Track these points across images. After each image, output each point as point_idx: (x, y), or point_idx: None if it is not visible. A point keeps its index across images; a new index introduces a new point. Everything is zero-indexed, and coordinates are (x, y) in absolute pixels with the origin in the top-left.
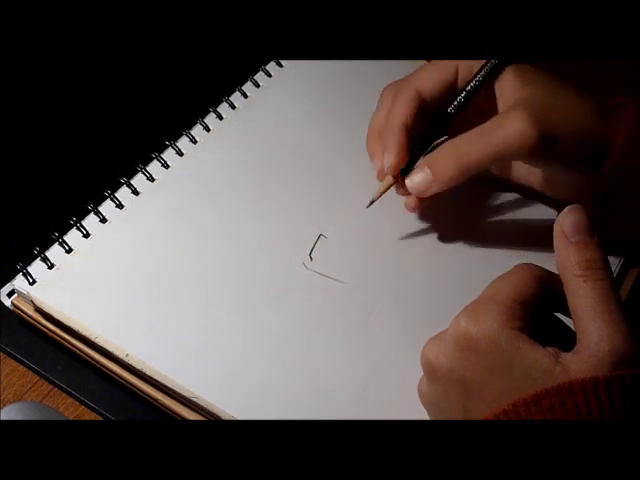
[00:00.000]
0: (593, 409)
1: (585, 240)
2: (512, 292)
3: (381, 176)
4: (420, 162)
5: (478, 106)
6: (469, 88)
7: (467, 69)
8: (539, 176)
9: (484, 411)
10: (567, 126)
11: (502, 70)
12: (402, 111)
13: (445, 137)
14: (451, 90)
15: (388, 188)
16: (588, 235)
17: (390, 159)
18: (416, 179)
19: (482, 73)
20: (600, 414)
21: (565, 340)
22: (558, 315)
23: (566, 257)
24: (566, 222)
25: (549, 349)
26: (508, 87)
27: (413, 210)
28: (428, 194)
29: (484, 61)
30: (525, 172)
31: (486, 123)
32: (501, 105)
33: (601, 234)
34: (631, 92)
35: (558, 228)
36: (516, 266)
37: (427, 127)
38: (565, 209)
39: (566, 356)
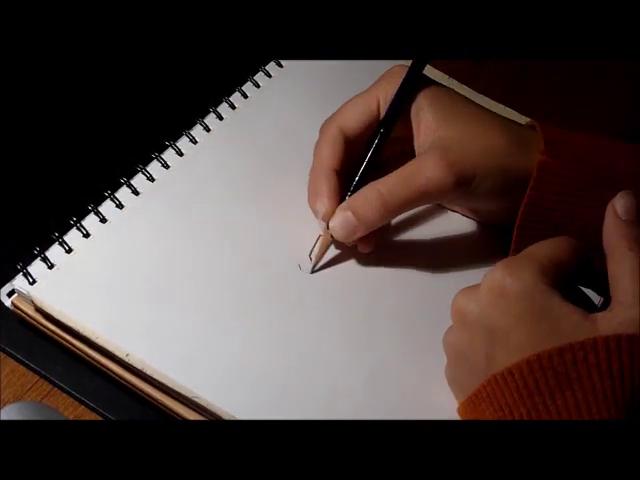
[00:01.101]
0: (614, 367)
1: (633, 219)
2: (549, 253)
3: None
4: (341, 206)
5: (401, 137)
6: (384, 119)
7: (388, 100)
8: (467, 207)
9: (507, 360)
10: (482, 165)
11: (418, 104)
12: (327, 154)
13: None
14: (374, 123)
15: (327, 248)
16: (636, 216)
17: (321, 208)
18: (339, 225)
19: (395, 104)
20: (620, 372)
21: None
22: (586, 291)
23: (615, 231)
24: (619, 203)
25: (579, 307)
26: (425, 123)
27: (369, 249)
28: (354, 238)
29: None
30: (454, 204)
31: (405, 167)
32: (417, 143)
33: None
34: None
35: (611, 207)
36: (556, 237)
37: (352, 169)
38: (620, 192)
39: (597, 314)
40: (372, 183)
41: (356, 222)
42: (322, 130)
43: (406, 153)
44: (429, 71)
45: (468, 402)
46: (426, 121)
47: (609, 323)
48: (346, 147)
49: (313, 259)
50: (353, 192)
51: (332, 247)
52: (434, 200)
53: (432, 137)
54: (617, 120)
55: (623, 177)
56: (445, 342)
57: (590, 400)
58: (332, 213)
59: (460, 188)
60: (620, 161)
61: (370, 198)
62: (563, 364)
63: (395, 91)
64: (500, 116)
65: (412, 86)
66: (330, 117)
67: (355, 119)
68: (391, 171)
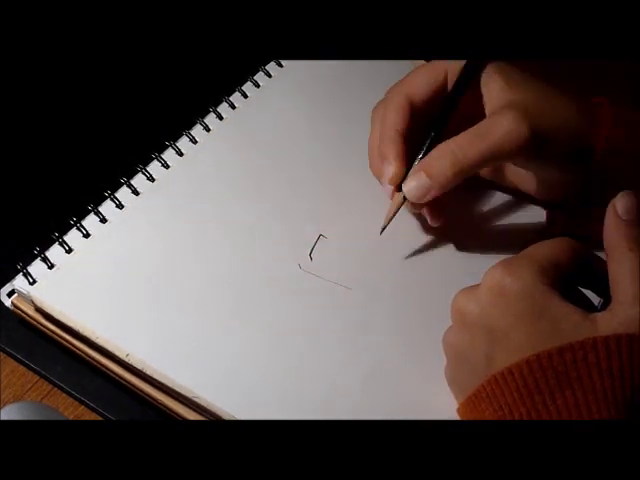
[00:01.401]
0: (614, 366)
1: (634, 220)
2: (548, 254)
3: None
4: (415, 168)
5: (468, 109)
6: (454, 89)
7: (455, 71)
8: (528, 177)
9: (507, 360)
10: (555, 126)
11: (489, 72)
12: (394, 120)
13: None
14: (441, 93)
15: (399, 208)
16: (637, 217)
17: (390, 170)
18: (413, 185)
19: (465, 74)
20: (620, 371)
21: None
22: (585, 292)
23: (615, 231)
24: (619, 202)
25: (578, 307)
26: (496, 90)
27: (439, 222)
28: (427, 199)
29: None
30: (514, 174)
31: (478, 124)
32: (489, 108)
33: None
34: (611, 94)
35: (611, 207)
36: (556, 238)
37: (421, 134)
38: (620, 193)
39: (596, 314)
40: (444, 142)
41: (429, 182)
42: (387, 97)
43: (477, 121)
44: None
45: (468, 402)
46: (497, 86)
47: (609, 323)
48: (412, 115)
49: (384, 221)
50: (424, 156)
51: (330, 247)
52: (508, 156)
53: (505, 100)
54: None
55: None
56: (445, 342)
57: (590, 399)
58: (401, 175)
59: (534, 144)
60: None
61: (443, 156)
62: (563, 364)
63: (463, 63)
64: (565, 87)
65: (481, 58)
66: (396, 85)
67: (422, 87)
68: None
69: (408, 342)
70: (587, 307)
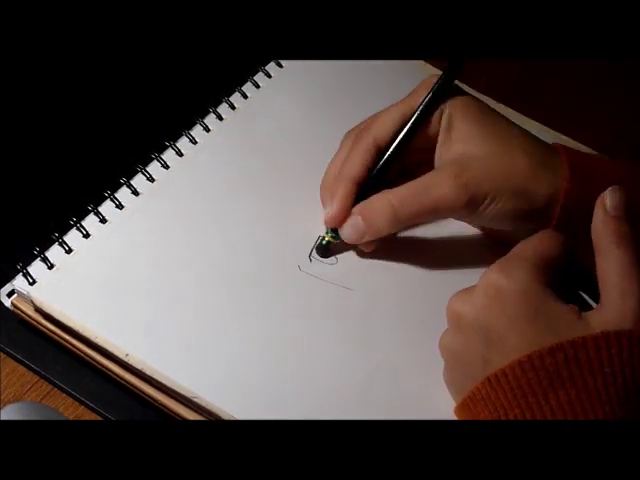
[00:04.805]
0: (604, 363)
1: (622, 216)
2: (539, 251)
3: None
4: (354, 210)
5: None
6: (408, 130)
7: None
8: (476, 225)
9: (503, 362)
10: (498, 187)
11: (451, 113)
12: (356, 161)
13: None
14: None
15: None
16: (625, 213)
17: (332, 210)
18: (349, 228)
19: (423, 111)
20: (611, 368)
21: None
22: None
23: (603, 227)
24: (608, 198)
25: (572, 305)
26: (451, 137)
27: (371, 249)
28: (361, 242)
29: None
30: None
31: (420, 180)
32: (440, 151)
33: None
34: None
35: (600, 202)
36: (540, 231)
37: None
38: (609, 188)
39: (589, 312)
40: (385, 192)
41: (365, 228)
42: (356, 139)
43: (426, 163)
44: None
45: (464, 404)
46: (453, 134)
47: (598, 321)
48: (377, 158)
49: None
50: (366, 197)
51: (334, 246)
52: (444, 217)
53: (454, 152)
54: (617, 120)
55: None
56: (441, 345)
57: (583, 398)
58: (339, 218)
59: (471, 207)
60: None
61: (381, 207)
62: (555, 363)
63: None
64: (529, 135)
65: (444, 94)
66: (364, 125)
67: (389, 130)
68: (407, 181)
69: (408, 343)
70: (581, 305)
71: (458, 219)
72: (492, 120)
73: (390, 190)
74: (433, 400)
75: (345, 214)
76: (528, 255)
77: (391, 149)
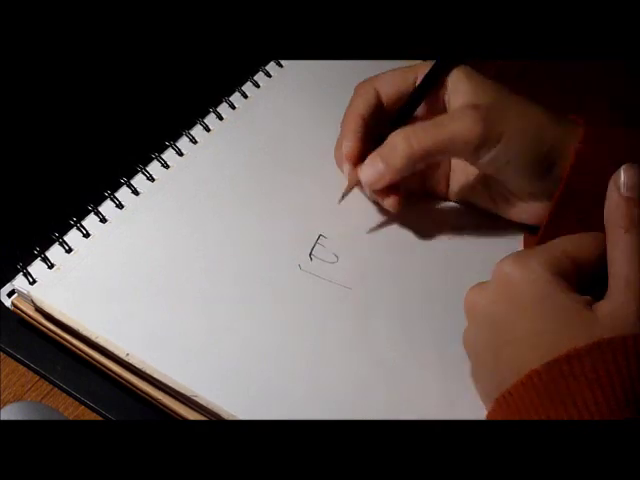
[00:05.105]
0: (611, 371)
1: (635, 198)
2: (568, 247)
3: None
4: (371, 154)
5: (431, 113)
6: (420, 86)
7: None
8: (502, 199)
9: (512, 352)
10: (514, 125)
11: (458, 75)
12: (359, 104)
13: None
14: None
15: (352, 188)
16: (638, 193)
17: (347, 146)
18: (367, 170)
19: (432, 74)
20: (618, 374)
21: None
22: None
23: (615, 208)
24: (621, 178)
25: (585, 297)
26: (462, 92)
27: (397, 208)
28: (382, 185)
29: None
30: (489, 198)
31: (438, 117)
32: (453, 107)
33: None
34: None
35: (612, 182)
36: (581, 233)
37: (383, 130)
38: (623, 166)
39: (597, 303)
40: (401, 128)
41: (383, 167)
42: (357, 88)
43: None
44: None
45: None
46: (464, 89)
47: (603, 312)
48: (377, 107)
49: (342, 193)
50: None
51: (333, 247)
52: (461, 153)
53: (468, 99)
54: (617, 120)
55: None
56: (463, 340)
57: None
58: (357, 152)
59: (486, 145)
60: None
61: (398, 142)
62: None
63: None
64: (533, 100)
65: (450, 61)
66: (366, 79)
67: (391, 85)
68: None
69: (408, 342)
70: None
71: (472, 164)
72: (499, 84)
73: (406, 126)
74: (433, 400)
75: (359, 145)
76: (551, 248)
77: (409, 100)
